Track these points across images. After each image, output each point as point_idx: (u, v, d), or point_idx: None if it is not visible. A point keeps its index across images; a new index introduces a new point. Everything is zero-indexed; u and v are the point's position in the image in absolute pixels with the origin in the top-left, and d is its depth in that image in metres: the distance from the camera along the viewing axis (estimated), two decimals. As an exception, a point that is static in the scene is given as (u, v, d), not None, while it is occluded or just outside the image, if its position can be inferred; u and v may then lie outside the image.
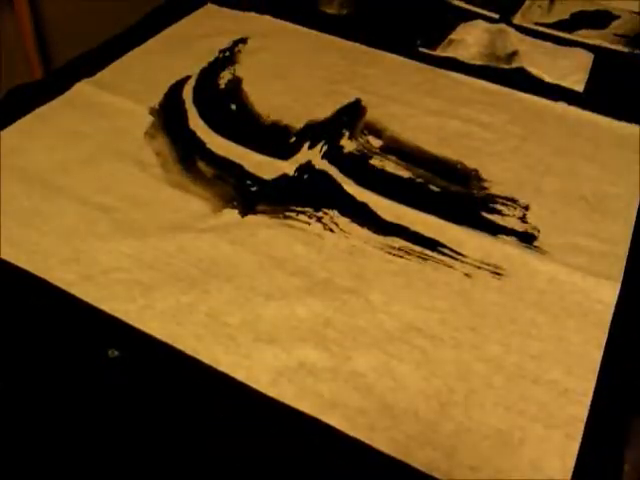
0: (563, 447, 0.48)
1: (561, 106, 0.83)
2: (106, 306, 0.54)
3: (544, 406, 0.51)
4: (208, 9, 0.98)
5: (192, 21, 0.94)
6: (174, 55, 0.86)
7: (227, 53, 0.88)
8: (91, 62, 0.83)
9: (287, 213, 0.65)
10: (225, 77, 0.83)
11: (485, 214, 0.67)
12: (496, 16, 1.02)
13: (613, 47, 0.97)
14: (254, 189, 0.67)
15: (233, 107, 0.78)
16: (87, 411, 0.48)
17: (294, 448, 0.47)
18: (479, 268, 0.61)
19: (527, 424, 0.49)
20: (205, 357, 0.51)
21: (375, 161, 0.72)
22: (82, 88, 0.78)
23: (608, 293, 0.59)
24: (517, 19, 1.02)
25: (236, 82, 0.83)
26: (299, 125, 0.76)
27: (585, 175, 0.73)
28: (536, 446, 0.48)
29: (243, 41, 0.90)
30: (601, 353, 0.55)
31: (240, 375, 0.50)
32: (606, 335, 0.56)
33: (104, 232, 0.61)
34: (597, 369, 0.53)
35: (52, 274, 0.56)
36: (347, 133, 0.76)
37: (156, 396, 0.49)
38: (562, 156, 0.75)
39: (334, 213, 0.65)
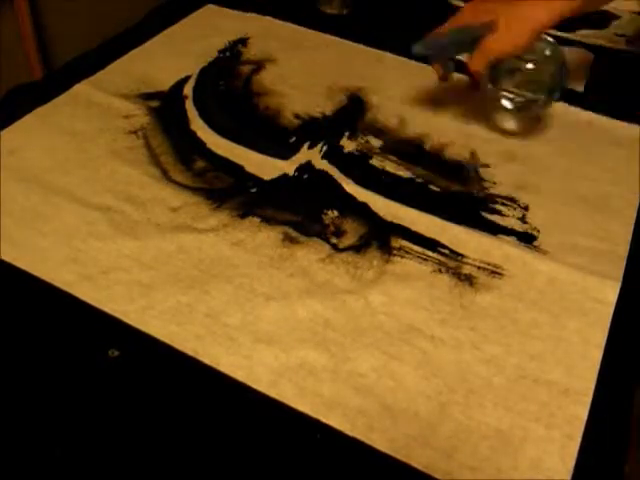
0: (563, 447, 0.48)
1: (561, 106, 0.83)
2: (106, 307, 0.54)
3: (544, 406, 0.50)
4: (208, 9, 0.98)
5: (192, 21, 0.94)
6: (174, 55, 0.86)
7: (227, 53, 0.88)
8: (91, 62, 0.83)
9: (287, 213, 0.65)
10: (225, 77, 0.83)
11: (485, 214, 0.67)
12: None
13: (613, 47, 0.97)
14: (254, 190, 0.67)
15: (233, 107, 0.78)
16: (86, 411, 0.48)
17: (294, 448, 0.47)
18: (479, 268, 0.61)
19: (527, 424, 0.49)
20: (205, 358, 0.51)
21: (375, 161, 0.72)
22: (82, 88, 0.78)
23: (608, 293, 0.59)
24: None
25: (236, 82, 0.83)
26: (299, 125, 0.76)
27: (585, 175, 0.72)
28: (536, 446, 0.48)
29: (243, 41, 0.90)
30: (601, 353, 0.55)
31: (240, 375, 0.50)
32: (606, 335, 0.56)
33: (104, 232, 0.61)
34: (597, 369, 0.53)
35: (51, 274, 0.56)
36: (347, 133, 0.76)
37: (156, 397, 0.49)
38: (562, 156, 0.75)
39: (334, 213, 0.65)
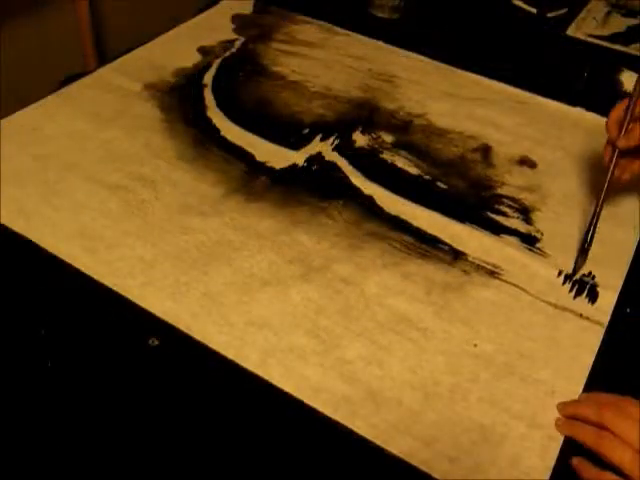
0: (544, 447, 0.48)
1: (578, 111, 0.82)
2: (107, 281, 0.56)
3: (529, 405, 0.51)
4: (226, 4, 0.98)
5: (213, 14, 0.95)
6: (195, 45, 0.87)
7: (249, 46, 0.89)
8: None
9: (293, 202, 0.66)
10: (244, 69, 0.85)
11: (490, 214, 0.67)
12: (534, 11, 1.02)
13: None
14: (263, 178, 0.68)
15: (250, 98, 0.80)
16: (83, 407, 0.49)
17: (276, 426, 0.48)
18: (478, 266, 0.61)
19: (510, 421, 0.50)
20: (198, 335, 0.53)
21: (385, 156, 0.73)
22: (104, 72, 0.81)
23: (606, 299, 0.59)
24: (571, 30, 1.01)
25: (254, 74, 0.84)
26: (313, 118, 0.77)
27: (597, 181, 0.72)
28: (517, 444, 0.48)
29: (263, 35, 0.91)
30: (593, 357, 0.55)
31: (230, 354, 0.52)
32: (600, 341, 0.56)
33: (113, 210, 0.63)
34: (587, 374, 0.53)
35: (58, 247, 0.58)
36: (360, 128, 0.77)
37: (148, 372, 0.51)
38: (575, 161, 0.75)
39: (339, 204, 0.66)
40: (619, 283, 0.61)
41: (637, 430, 0.45)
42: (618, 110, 0.61)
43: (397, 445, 0.47)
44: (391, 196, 0.67)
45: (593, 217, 0.62)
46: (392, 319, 0.56)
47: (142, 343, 0.52)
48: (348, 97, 0.81)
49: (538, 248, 0.64)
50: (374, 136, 0.76)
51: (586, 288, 0.60)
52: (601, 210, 0.62)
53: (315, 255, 0.60)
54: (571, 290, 0.60)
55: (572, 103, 0.83)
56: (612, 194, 0.70)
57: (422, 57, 0.90)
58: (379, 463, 0.47)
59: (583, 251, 0.61)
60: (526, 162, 0.74)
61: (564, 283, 0.61)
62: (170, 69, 0.82)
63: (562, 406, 0.51)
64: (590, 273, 0.61)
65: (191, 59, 0.85)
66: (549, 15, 1.03)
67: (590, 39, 0.99)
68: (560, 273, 0.61)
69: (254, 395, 0.50)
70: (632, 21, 1.05)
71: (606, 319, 0.58)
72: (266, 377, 0.50)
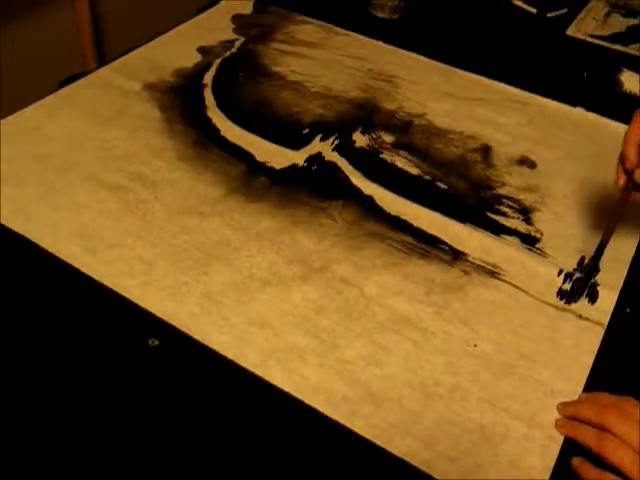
0: (544, 447, 0.48)
1: (578, 111, 0.82)
2: (107, 281, 0.56)
3: (529, 405, 0.51)
4: (227, 4, 0.98)
5: (213, 14, 0.96)
6: (198, 43, 0.88)
7: (249, 46, 0.89)
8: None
9: (293, 202, 0.66)
10: (244, 69, 0.85)
11: (490, 214, 0.67)
12: (533, 11, 1.02)
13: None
14: (263, 178, 0.68)
15: (250, 98, 0.80)
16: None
17: (276, 426, 0.48)
18: (478, 266, 0.61)
19: (510, 421, 0.50)
20: (198, 335, 0.53)
21: (385, 156, 0.73)
22: (104, 72, 0.81)
23: (606, 299, 0.59)
24: (571, 30, 1.01)
25: (254, 74, 0.84)
26: (313, 118, 0.77)
27: (597, 181, 0.72)
28: (517, 443, 0.48)
29: (262, 34, 0.92)
30: (592, 358, 0.55)
31: (230, 354, 0.52)
32: (599, 341, 0.56)
33: (112, 210, 0.62)
34: (587, 374, 0.54)
35: (58, 247, 0.58)
36: (360, 128, 0.77)
37: (148, 372, 0.51)
38: (576, 161, 0.75)
39: (339, 204, 0.66)
40: (619, 283, 0.61)
41: (637, 431, 0.45)
42: (637, 130, 0.53)
43: (397, 445, 0.47)
44: (391, 196, 0.67)
45: (602, 242, 0.59)
46: (392, 319, 0.56)
47: (142, 343, 0.52)
48: (348, 97, 0.81)
49: (538, 248, 0.64)
50: (374, 136, 0.76)
51: (586, 288, 0.60)
52: (610, 237, 0.59)
53: (315, 255, 0.60)
54: (571, 290, 0.60)
55: (572, 103, 0.83)
56: (612, 194, 0.70)
57: (422, 57, 0.90)
58: (379, 463, 0.47)
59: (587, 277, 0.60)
60: (526, 162, 0.74)
61: (564, 283, 0.61)
62: (170, 69, 0.82)
63: (562, 406, 0.51)
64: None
65: (191, 59, 0.85)
66: (549, 15, 1.03)
67: (590, 39, 1.00)
68: (560, 272, 0.61)
69: (254, 395, 0.50)
70: (632, 21, 1.05)
71: (606, 319, 0.58)
72: (266, 377, 0.50)
